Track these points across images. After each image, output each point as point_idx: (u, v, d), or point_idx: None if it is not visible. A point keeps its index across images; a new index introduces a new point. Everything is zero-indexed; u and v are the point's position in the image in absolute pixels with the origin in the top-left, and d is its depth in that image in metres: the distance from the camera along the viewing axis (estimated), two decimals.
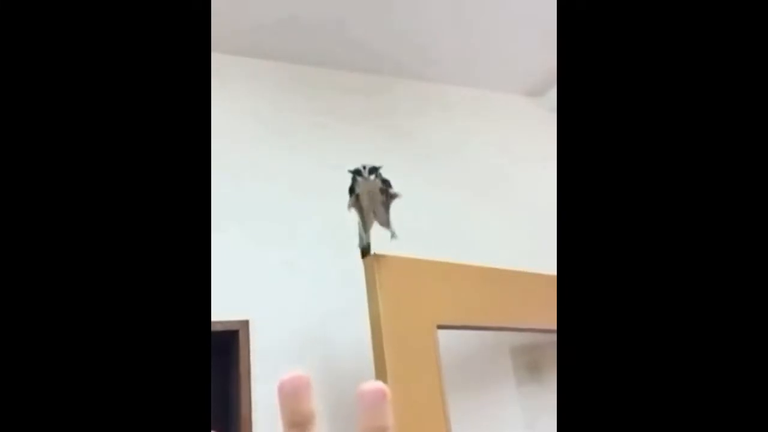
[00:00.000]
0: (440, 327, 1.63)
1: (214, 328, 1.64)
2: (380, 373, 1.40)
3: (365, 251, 1.47)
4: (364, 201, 1.42)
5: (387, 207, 1.44)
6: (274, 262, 1.82)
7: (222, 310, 1.62)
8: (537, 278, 1.89)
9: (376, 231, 1.48)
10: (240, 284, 1.75)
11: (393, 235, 1.41)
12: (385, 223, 1.45)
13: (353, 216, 1.47)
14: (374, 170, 1.42)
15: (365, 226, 1.46)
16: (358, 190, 1.42)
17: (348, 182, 1.46)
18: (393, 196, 1.43)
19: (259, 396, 1.62)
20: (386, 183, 1.45)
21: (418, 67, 2.21)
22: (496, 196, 2.17)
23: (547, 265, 2.02)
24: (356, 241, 1.50)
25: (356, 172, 1.44)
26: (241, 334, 1.69)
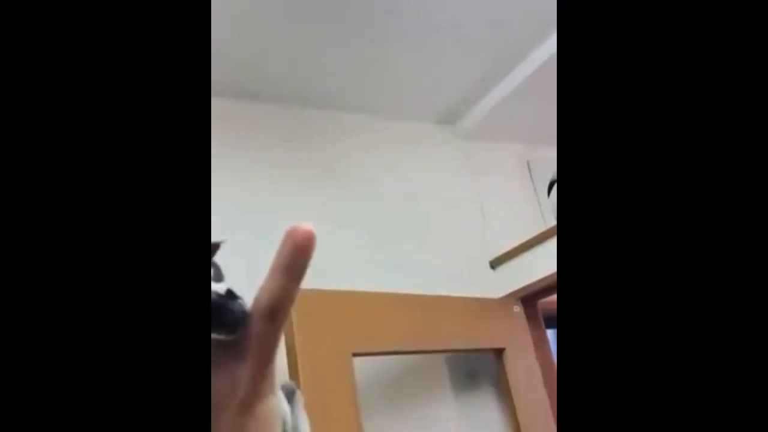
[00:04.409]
0: (356, 355, 1.65)
1: None
2: None
3: None
4: None
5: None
6: None
7: None
8: (451, 301, 1.96)
9: None
10: None
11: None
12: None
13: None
14: None
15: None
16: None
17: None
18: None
19: None
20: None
21: (332, 97, 2.24)
22: (412, 224, 2.23)
23: (461, 288, 2.10)
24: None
25: None
26: None
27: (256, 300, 0.27)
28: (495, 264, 2.27)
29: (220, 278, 0.29)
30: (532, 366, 2.05)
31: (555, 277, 1.98)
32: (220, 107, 2.03)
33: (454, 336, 1.93)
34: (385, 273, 2.02)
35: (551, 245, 2.03)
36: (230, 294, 0.26)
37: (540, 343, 2.17)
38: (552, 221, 2.29)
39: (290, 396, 0.37)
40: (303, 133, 2.21)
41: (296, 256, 0.27)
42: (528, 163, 2.64)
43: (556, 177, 2.18)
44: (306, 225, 0.27)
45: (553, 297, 2.16)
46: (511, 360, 2.00)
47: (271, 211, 1.94)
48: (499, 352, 2.02)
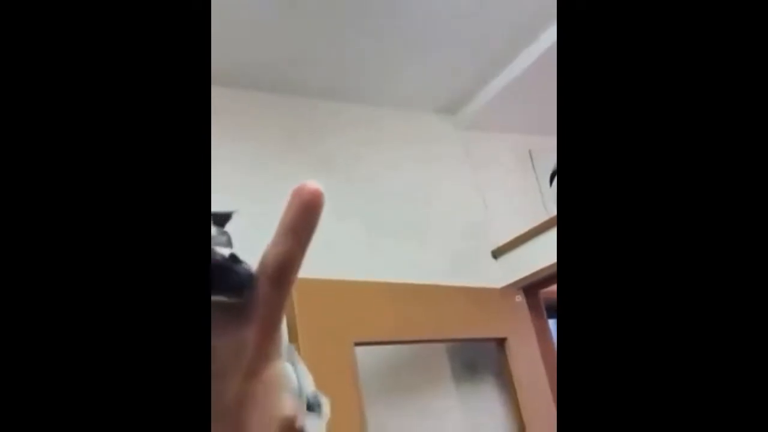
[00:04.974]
0: (358, 344, 1.66)
1: None
2: None
3: None
4: None
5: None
6: None
7: None
8: (453, 291, 1.97)
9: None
10: None
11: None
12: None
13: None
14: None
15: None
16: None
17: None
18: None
19: None
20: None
21: (331, 88, 2.24)
22: (413, 215, 2.23)
23: (463, 278, 2.10)
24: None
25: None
26: None
27: (262, 262, 0.26)
28: (497, 254, 2.27)
29: (230, 245, 0.29)
30: (534, 356, 2.05)
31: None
32: (218, 97, 2.03)
33: (456, 326, 1.94)
34: (387, 263, 2.02)
35: (553, 235, 2.03)
36: (234, 258, 0.26)
37: (542, 332, 2.18)
38: (554, 211, 2.29)
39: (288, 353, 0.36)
40: (302, 123, 2.21)
41: (303, 215, 0.26)
42: (530, 152, 2.64)
43: None
44: (313, 183, 0.26)
45: (555, 287, 2.17)
46: (513, 350, 2.01)
47: (270, 202, 1.94)
48: (501, 342, 2.02)
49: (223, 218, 0.29)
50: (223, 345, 0.26)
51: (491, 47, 2.18)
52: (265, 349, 0.27)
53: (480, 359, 2.13)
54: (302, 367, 0.32)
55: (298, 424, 0.27)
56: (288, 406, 0.27)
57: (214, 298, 0.25)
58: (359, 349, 1.67)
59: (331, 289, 1.63)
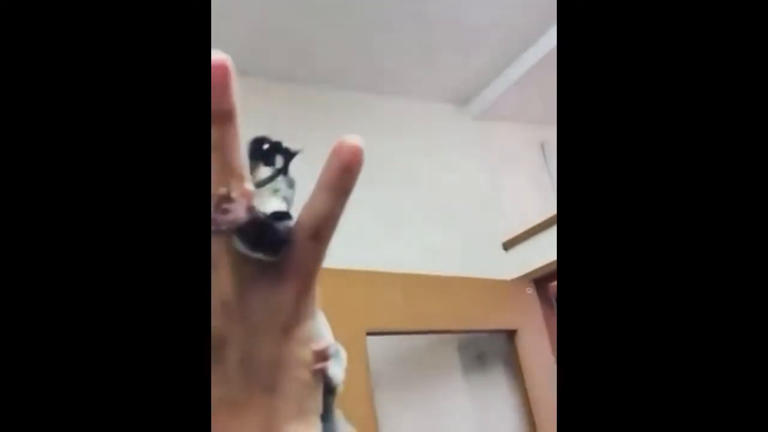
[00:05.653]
0: (369, 333, 1.68)
1: None
2: None
3: None
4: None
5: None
6: None
7: None
8: (464, 282, 1.97)
9: None
10: None
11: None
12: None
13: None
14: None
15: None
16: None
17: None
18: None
19: None
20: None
21: (343, 76, 2.24)
22: (424, 205, 2.23)
23: (474, 269, 2.11)
24: None
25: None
26: None
27: (300, 219, 0.26)
28: (508, 246, 2.27)
29: (292, 192, 0.28)
30: (544, 347, 2.06)
31: None
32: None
33: (467, 317, 1.95)
34: (399, 253, 2.03)
35: None
36: (276, 215, 0.25)
37: (552, 325, 2.18)
38: None
39: None
40: (315, 112, 2.21)
41: (342, 173, 0.26)
42: (542, 144, 2.63)
43: None
44: (352, 140, 0.26)
45: None
46: (523, 341, 2.01)
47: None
48: (511, 334, 2.03)
49: (290, 156, 0.29)
50: (259, 302, 0.26)
51: (505, 37, 2.17)
52: (299, 308, 0.27)
53: (490, 350, 2.13)
54: (322, 318, 0.32)
55: (323, 363, 0.28)
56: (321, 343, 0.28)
57: (252, 255, 0.25)
58: (370, 339, 1.69)
59: (344, 279, 1.64)
